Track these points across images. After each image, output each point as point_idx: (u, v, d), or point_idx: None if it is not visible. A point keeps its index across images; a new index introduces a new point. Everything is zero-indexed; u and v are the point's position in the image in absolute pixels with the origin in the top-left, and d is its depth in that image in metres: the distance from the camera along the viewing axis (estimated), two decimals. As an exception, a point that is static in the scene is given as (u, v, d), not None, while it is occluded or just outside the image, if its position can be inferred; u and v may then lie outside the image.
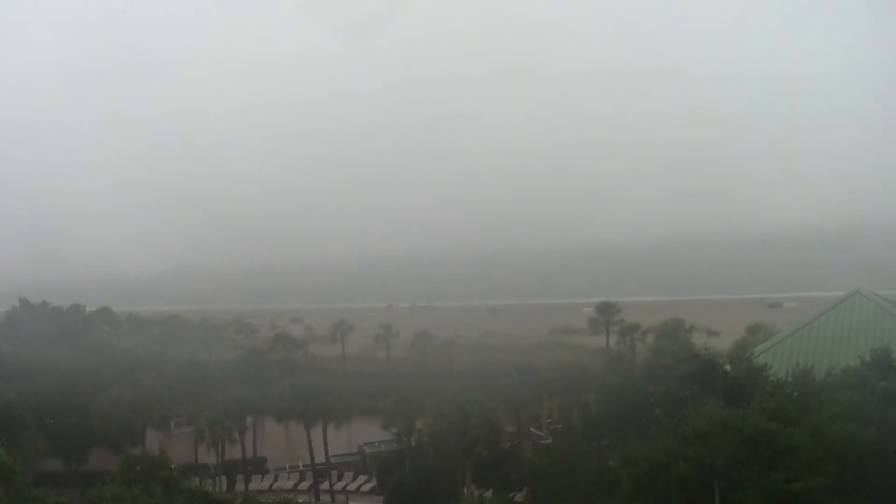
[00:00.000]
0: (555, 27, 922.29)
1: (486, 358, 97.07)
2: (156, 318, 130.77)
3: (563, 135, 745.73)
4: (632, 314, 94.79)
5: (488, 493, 41.47)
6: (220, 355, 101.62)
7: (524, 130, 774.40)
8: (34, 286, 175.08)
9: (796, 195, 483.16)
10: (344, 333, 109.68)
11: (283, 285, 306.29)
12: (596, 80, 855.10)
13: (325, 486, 59.08)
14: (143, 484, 35.17)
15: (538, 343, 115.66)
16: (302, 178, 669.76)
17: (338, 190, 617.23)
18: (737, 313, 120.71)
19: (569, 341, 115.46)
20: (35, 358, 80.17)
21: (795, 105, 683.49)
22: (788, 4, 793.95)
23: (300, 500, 49.37)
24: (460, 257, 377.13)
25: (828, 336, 43.07)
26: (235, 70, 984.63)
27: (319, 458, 58.40)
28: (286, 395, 58.73)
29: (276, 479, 63.70)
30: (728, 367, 38.43)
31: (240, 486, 60.16)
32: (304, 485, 62.03)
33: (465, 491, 46.36)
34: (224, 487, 58.79)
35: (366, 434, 67.51)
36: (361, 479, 62.14)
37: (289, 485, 62.52)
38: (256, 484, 61.71)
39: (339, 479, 62.03)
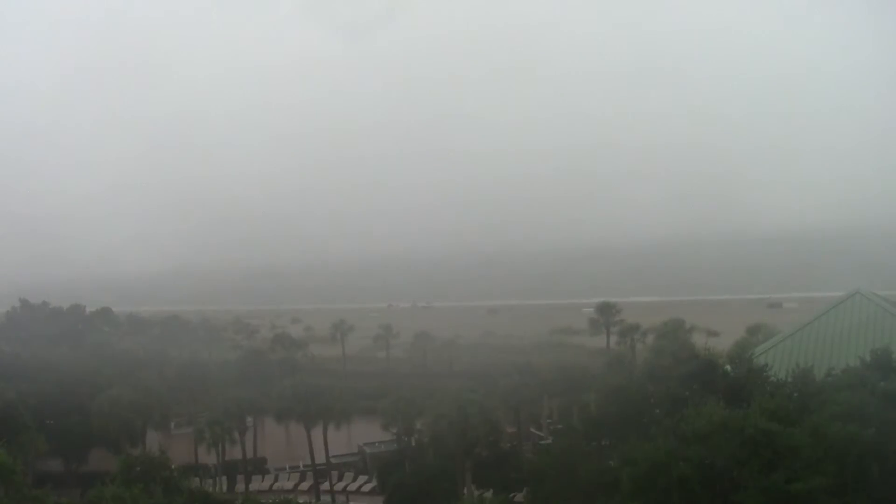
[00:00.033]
0: (555, 27, 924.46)
1: (486, 358, 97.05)
2: (156, 318, 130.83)
3: (562, 135, 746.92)
4: (632, 314, 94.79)
5: (488, 494, 41.41)
6: (220, 355, 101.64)
7: (524, 130, 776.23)
8: (34, 286, 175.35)
9: (796, 195, 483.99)
10: (344, 334, 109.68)
11: (283, 285, 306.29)
12: (596, 80, 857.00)
13: (325, 486, 59.10)
14: (143, 484, 35.12)
15: (538, 343, 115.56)
16: (302, 178, 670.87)
17: (338, 190, 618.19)
18: (737, 313, 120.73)
19: (569, 341, 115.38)
20: (35, 358, 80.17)
21: (795, 105, 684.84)
22: (788, 4, 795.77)
23: (300, 501, 49.27)
24: (460, 257, 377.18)
25: (828, 336, 43.02)
26: (235, 70, 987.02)
27: (320, 458, 58.43)
28: (286, 395, 58.77)
29: (276, 480, 63.69)
30: (728, 367, 38.36)
31: (240, 487, 60.19)
32: (305, 485, 62.02)
33: (465, 491, 46.37)
34: (224, 488, 58.79)
35: (366, 434, 67.52)
36: (362, 479, 62.14)
37: (289, 485, 62.52)
38: (257, 484, 61.71)
39: (340, 479, 62.03)
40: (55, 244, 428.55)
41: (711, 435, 27.53)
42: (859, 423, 26.78)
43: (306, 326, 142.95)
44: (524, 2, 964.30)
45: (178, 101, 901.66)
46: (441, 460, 50.65)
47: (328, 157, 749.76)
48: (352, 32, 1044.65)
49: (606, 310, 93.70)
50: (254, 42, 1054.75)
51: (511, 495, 45.09)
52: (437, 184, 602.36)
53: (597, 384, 48.49)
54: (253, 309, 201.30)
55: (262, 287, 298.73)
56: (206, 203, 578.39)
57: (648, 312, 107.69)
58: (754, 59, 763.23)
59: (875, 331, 41.25)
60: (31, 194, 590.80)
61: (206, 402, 65.77)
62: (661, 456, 27.66)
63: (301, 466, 64.99)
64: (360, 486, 60.92)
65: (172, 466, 40.41)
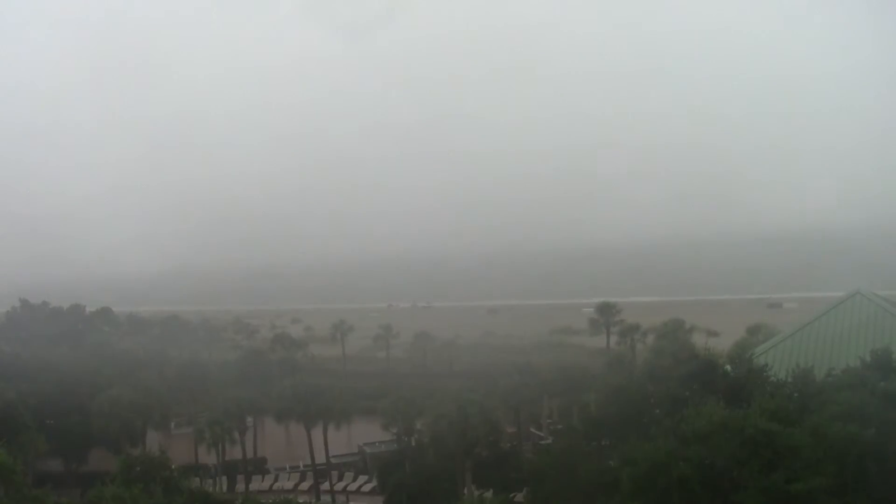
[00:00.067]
0: (555, 27, 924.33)
1: (486, 358, 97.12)
2: (156, 318, 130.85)
3: (562, 135, 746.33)
4: (632, 314, 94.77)
5: (488, 494, 41.40)
6: (220, 355, 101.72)
7: (524, 130, 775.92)
8: (34, 286, 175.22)
9: (796, 195, 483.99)
10: (344, 334, 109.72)
11: (283, 285, 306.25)
12: (596, 80, 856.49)
13: (325, 486, 59.11)
14: (143, 484, 35.13)
15: (538, 343, 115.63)
16: (302, 178, 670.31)
17: (338, 190, 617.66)
18: (737, 313, 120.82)
19: (569, 341, 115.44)
20: (35, 358, 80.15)
21: (795, 105, 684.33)
22: (788, 4, 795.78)
23: (300, 501, 49.34)
24: (460, 257, 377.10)
25: (828, 336, 43.02)
26: (235, 70, 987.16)
27: (320, 458, 58.44)
28: (286, 395, 58.77)
29: (276, 480, 63.72)
30: (728, 367, 38.37)
31: (240, 487, 60.19)
32: (305, 485, 62.04)
33: (465, 491, 46.36)
34: (224, 488, 58.78)
35: (366, 434, 67.52)
36: (362, 479, 62.16)
37: (289, 485, 62.54)
38: (257, 484, 61.73)
39: (340, 479, 62.06)
40: (55, 244, 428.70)
41: (711, 435, 27.54)
42: (859, 424, 26.79)
43: (306, 326, 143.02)
44: (524, 2, 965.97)
45: (178, 101, 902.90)
46: (441, 460, 50.63)
47: (328, 157, 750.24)
48: (352, 32, 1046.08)
49: (606, 310, 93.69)
50: (254, 42, 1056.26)
51: (511, 495, 45.08)
52: (437, 184, 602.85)
53: (597, 384, 48.54)
54: (253, 309, 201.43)
55: (262, 287, 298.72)
56: (206, 203, 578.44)
57: (648, 312, 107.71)
58: (754, 59, 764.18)
59: (875, 331, 41.25)
60: (31, 194, 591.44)
61: (206, 402, 65.75)
62: (661, 456, 27.67)
63: (301, 466, 65.00)
64: (360, 486, 60.94)
65: (172, 466, 40.41)
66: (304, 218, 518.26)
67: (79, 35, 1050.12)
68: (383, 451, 63.33)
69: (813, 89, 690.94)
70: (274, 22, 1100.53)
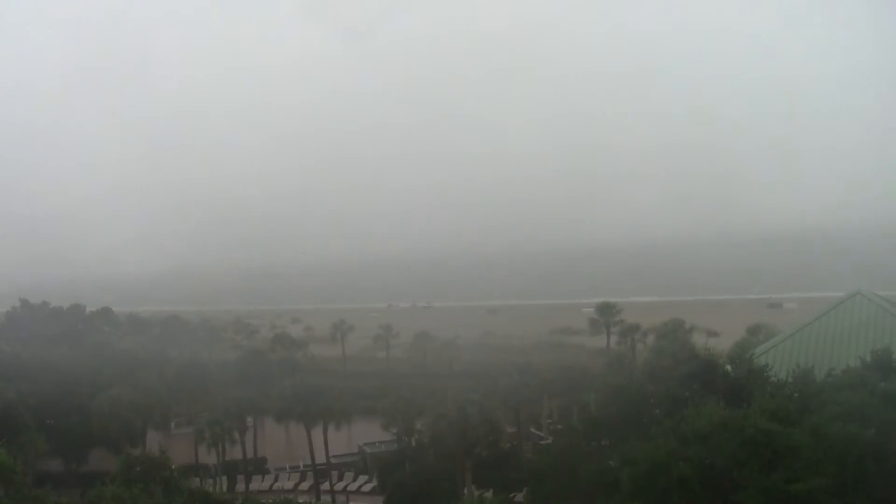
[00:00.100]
0: (555, 27, 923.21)
1: (486, 358, 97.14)
2: (156, 318, 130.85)
3: (562, 135, 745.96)
4: (632, 315, 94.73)
5: (488, 494, 41.41)
6: (220, 355, 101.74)
7: (524, 131, 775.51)
8: (34, 286, 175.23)
9: (796, 195, 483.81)
10: (344, 334, 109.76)
11: (283, 285, 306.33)
12: (596, 80, 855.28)
13: (325, 486, 59.11)
14: (143, 484, 35.13)
15: (538, 343, 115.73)
16: (302, 178, 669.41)
17: (338, 190, 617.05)
18: (737, 314, 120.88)
19: (569, 341, 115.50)
20: (35, 358, 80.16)
21: (795, 105, 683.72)
22: (788, 4, 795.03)
23: (301, 501, 49.37)
24: (460, 257, 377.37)
25: (828, 337, 43.05)
26: (235, 70, 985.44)
27: (320, 458, 58.44)
28: (286, 395, 58.77)
29: (276, 480, 63.72)
30: (728, 367, 38.39)
31: (240, 487, 60.20)
32: (305, 485, 62.04)
33: (465, 491, 46.36)
34: (224, 488, 58.76)
35: (366, 434, 67.53)
36: (362, 479, 62.16)
37: (289, 485, 62.56)
38: (257, 484, 61.74)
39: (340, 479, 62.06)
40: (55, 244, 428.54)
41: (711, 435, 27.55)
42: (859, 424, 26.80)
43: (306, 326, 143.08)
44: (524, 2, 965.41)
45: (178, 101, 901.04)
46: (441, 460, 50.63)
47: (328, 157, 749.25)
48: (352, 32, 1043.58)
49: (606, 310, 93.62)
50: (254, 42, 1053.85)
51: (511, 495, 45.09)
52: (437, 184, 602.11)
53: (597, 384, 48.48)
54: (253, 309, 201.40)
55: (262, 287, 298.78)
56: (206, 203, 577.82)
57: (648, 312, 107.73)
58: (754, 59, 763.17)
59: (875, 331, 41.28)
60: (31, 194, 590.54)
61: (206, 402, 65.75)
62: (661, 456, 27.67)
63: (301, 466, 65.00)
64: (360, 486, 60.94)
65: (172, 466, 40.37)
66: (304, 218, 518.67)
67: (79, 35, 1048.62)
68: (383, 451, 63.34)
69: (813, 89, 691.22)
70: (274, 22, 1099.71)
